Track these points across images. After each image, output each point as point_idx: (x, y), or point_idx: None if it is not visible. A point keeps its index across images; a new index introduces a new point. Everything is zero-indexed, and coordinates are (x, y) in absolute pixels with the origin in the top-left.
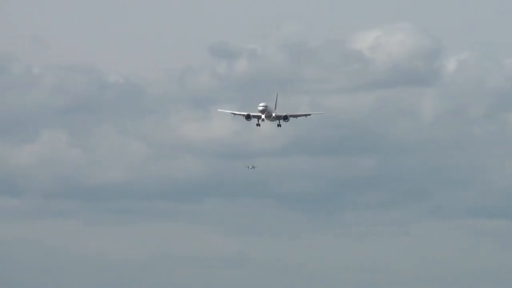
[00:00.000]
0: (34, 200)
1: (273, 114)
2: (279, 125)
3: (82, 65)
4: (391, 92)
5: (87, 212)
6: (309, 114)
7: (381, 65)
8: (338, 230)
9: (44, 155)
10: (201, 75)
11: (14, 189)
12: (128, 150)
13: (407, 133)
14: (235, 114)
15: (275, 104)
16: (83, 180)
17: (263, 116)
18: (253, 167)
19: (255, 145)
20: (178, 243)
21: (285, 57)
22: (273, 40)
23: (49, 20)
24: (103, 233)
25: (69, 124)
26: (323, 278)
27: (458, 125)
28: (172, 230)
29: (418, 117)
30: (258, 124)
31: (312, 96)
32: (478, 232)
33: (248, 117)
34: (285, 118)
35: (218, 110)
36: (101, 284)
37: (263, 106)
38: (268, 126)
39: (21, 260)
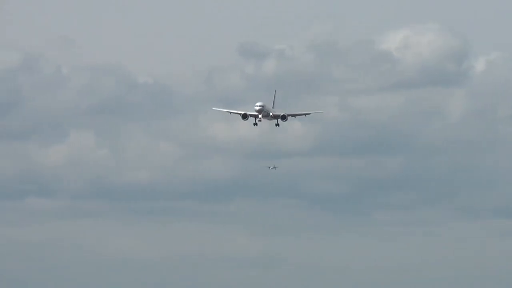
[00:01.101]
0: (63, 201)
1: (271, 113)
2: (277, 125)
3: (111, 66)
4: (419, 93)
5: (115, 213)
6: (309, 113)
7: (409, 65)
8: (365, 230)
9: (73, 156)
10: (230, 75)
11: (43, 190)
12: (156, 151)
13: (435, 133)
14: (231, 112)
15: (273, 102)
16: (112, 181)
17: (260, 116)
18: (274, 167)
19: (283, 145)
20: (206, 243)
21: (314, 57)
22: (302, 40)
23: (78, 20)
24: (132, 234)
25: (97, 124)
26: (349, 278)
27: (486, 126)
28: (200, 231)
29: (446, 117)
30: (255, 124)
31: (340, 96)
32: (505, 233)
33: (244, 116)
34: (283, 117)
35: (213, 108)
36: (129, 284)
37: (259, 106)
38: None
39: (50, 260)
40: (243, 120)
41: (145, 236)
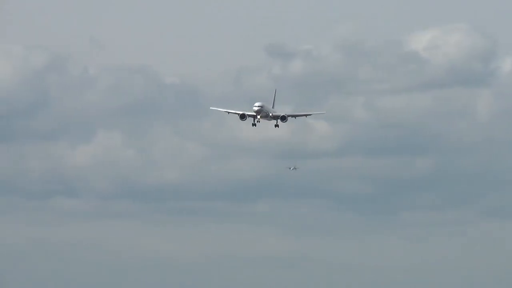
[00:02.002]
0: (91, 201)
1: (270, 114)
2: (276, 126)
3: (138, 66)
4: (447, 93)
5: (143, 213)
6: (310, 114)
7: (437, 65)
8: (393, 231)
9: (100, 156)
10: (257, 75)
11: (70, 190)
12: (184, 151)
13: (462, 133)
14: (229, 112)
15: (273, 102)
16: (139, 181)
17: (259, 117)
18: (294, 168)
19: (312, 145)
20: (235, 244)
21: (341, 58)
22: (329, 40)
23: (106, 21)
24: (159, 234)
25: (125, 125)
26: (378, 278)
27: None
28: (228, 231)
29: (474, 117)
30: (254, 124)
31: (367, 96)
32: None
33: (243, 116)
34: (283, 118)
35: (211, 108)
36: (157, 285)
37: (258, 106)
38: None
39: (77, 260)
40: (241, 121)
41: (172, 237)
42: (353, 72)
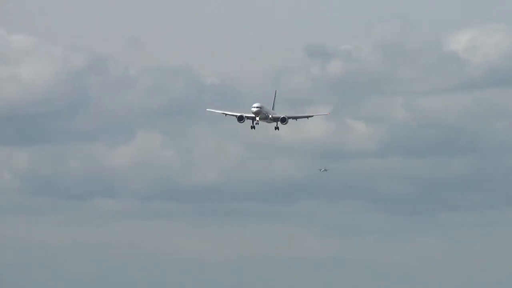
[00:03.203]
0: (130, 202)
1: (270, 116)
2: (276, 128)
3: (178, 67)
4: (486, 93)
5: (182, 214)
6: (311, 116)
7: (476, 66)
8: (432, 231)
9: (140, 157)
10: (296, 75)
11: (110, 191)
12: (223, 152)
13: (501, 134)
14: (226, 114)
15: (273, 104)
16: (178, 182)
17: (257, 118)
18: (325, 169)
19: (351, 145)
20: (273, 244)
21: (380, 58)
22: (369, 41)
23: (147, 21)
24: (198, 235)
25: (164, 125)
26: (417, 279)
27: None
28: (267, 232)
29: None
30: (252, 127)
31: (406, 97)
32: None
33: (240, 118)
34: (283, 120)
35: (207, 109)
36: (195, 285)
37: (257, 107)
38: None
39: (116, 261)
40: (239, 123)
41: (211, 238)
42: (392, 72)
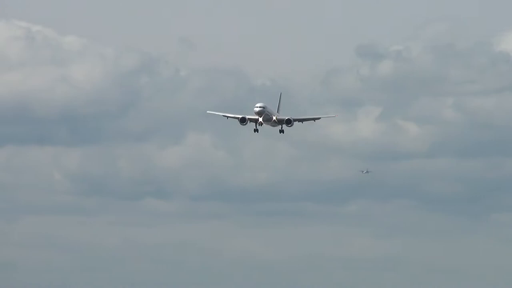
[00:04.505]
0: (181, 202)
1: (274, 118)
2: (281, 131)
3: (229, 68)
4: None
5: (233, 214)
6: (319, 118)
7: None
8: (484, 231)
9: (191, 157)
10: (347, 76)
11: (161, 191)
12: (273, 152)
13: None
14: (228, 117)
15: (278, 106)
16: (229, 183)
17: (260, 119)
18: (367, 171)
19: (401, 146)
20: (324, 244)
21: (431, 59)
22: (419, 41)
23: (198, 23)
24: (249, 235)
25: (215, 126)
26: (468, 278)
27: None
28: (319, 232)
29: None
30: (256, 130)
31: (457, 97)
32: None
33: (243, 120)
34: (288, 122)
35: (207, 112)
36: (247, 285)
37: (260, 107)
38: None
39: (167, 261)
40: (241, 125)
41: (262, 238)
42: (442, 73)
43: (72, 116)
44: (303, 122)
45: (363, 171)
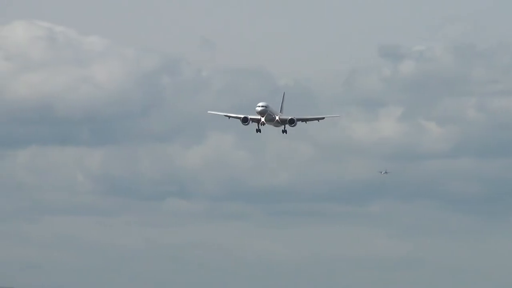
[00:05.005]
0: (203, 203)
1: (277, 118)
2: (284, 131)
3: (251, 68)
4: None
5: (254, 215)
6: (322, 118)
7: None
8: (506, 232)
9: (212, 158)
10: (369, 76)
11: (183, 192)
12: (294, 153)
13: None
14: (229, 117)
15: (281, 106)
16: (251, 183)
17: (262, 119)
18: (385, 172)
19: (424, 146)
20: (346, 244)
21: (453, 59)
22: (441, 41)
23: (219, 23)
24: (271, 235)
25: (236, 127)
26: (489, 279)
27: None
28: (340, 232)
29: None
30: (258, 130)
31: (479, 97)
32: None
33: (245, 120)
34: (291, 122)
35: (208, 112)
36: (268, 285)
37: (262, 106)
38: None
39: (188, 261)
40: (243, 125)
41: (283, 238)
42: (465, 73)
43: (94, 116)
44: (307, 122)
45: (381, 172)
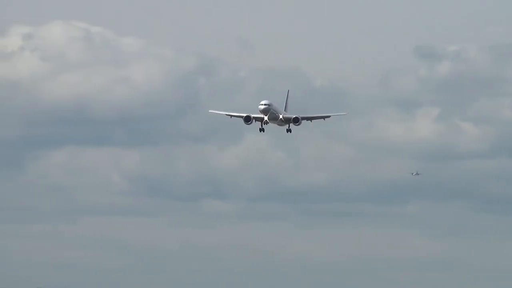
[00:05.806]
0: (239, 203)
1: (281, 116)
2: (288, 130)
3: (287, 69)
4: None
5: (291, 215)
6: (329, 116)
7: None
8: None
9: (249, 158)
10: (405, 77)
11: (220, 192)
12: (331, 152)
13: None
14: (231, 116)
15: (286, 104)
16: (288, 183)
17: (266, 118)
18: (417, 173)
19: (460, 146)
20: (382, 246)
21: (489, 59)
22: (477, 41)
23: (256, 23)
24: (307, 236)
25: (272, 127)
26: None
27: None
28: (376, 233)
29: None
30: (261, 129)
31: None
32: None
33: (248, 119)
34: (296, 120)
35: (209, 111)
36: (305, 286)
37: (265, 104)
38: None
39: (225, 262)
40: (246, 125)
41: (320, 238)
42: (501, 73)
43: (130, 117)
44: (312, 121)
45: (412, 173)
